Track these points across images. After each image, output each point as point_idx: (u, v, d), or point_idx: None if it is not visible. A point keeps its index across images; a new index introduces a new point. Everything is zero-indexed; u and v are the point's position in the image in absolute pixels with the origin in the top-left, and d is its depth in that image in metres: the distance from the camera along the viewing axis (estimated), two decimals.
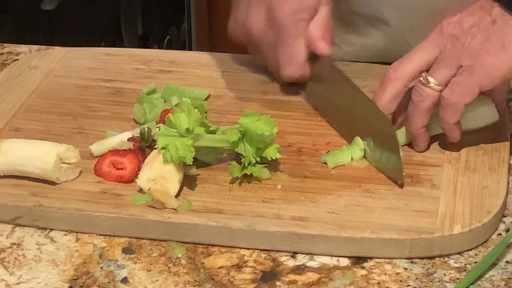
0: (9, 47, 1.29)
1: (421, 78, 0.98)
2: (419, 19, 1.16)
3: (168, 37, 2.29)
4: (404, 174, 0.96)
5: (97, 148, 1.01)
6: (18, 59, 1.24)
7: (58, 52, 1.23)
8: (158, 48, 2.24)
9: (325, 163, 1.00)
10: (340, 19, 1.24)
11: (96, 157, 1.01)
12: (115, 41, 2.27)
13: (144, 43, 2.28)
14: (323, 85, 1.10)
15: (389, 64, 1.02)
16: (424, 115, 0.99)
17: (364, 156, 1.01)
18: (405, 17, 1.21)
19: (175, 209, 0.93)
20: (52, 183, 0.97)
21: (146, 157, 0.97)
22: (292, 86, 1.13)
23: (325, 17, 1.08)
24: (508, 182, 0.98)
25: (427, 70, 0.98)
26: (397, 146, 0.97)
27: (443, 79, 0.97)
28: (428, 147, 1.02)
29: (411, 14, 1.20)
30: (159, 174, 0.94)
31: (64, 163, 0.97)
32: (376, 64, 1.20)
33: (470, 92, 0.96)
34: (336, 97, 1.07)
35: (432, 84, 0.97)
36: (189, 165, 0.95)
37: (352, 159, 1.00)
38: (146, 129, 1.00)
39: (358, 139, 1.02)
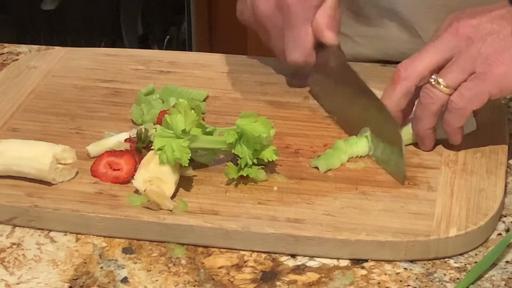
0: (9, 47, 1.29)
1: (432, 80, 0.97)
2: (430, 11, 1.16)
3: (168, 37, 2.30)
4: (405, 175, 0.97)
5: (94, 148, 1.01)
6: (18, 59, 1.24)
7: (58, 52, 1.23)
8: (158, 48, 2.25)
9: (317, 167, 0.99)
10: (352, 11, 1.24)
11: (93, 157, 1.00)
12: (115, 41, 2.27)
13: (144, 43, 2.29)
14: (327, 75, 1.09)
15: (397, 63, 1.01)
16: (432, 117, 0.98)
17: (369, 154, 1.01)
18: (416, 9, 1.21)
19: (171, 210, 0.93)
20: (48, 183, 0.97)
21: (142, 158, 0.97)
22: (296, 76, 1.13)
23: (333, 5, 1.07)
24: (506, 184, 0.98)
25: (437, 71, 0.98)
26: (401, 148, 0.96)
27: (453, 83, 0.96)
28: (434, 147, 1.02)
29: (424, 5, 1.20)
30: (155, 175, 0.94)
31: (60, 163, 0.97)
32: (376, 64, 1.20)
33: (479, 99, 0.95)
34: (340, 90, 1.06)
35: (441, 87, 0.96)
36: (186, 166, 0.95)
37: (341, 164, 1.00)
38: (143, 130, 1.00)
39: (340, 142, 1.01)
